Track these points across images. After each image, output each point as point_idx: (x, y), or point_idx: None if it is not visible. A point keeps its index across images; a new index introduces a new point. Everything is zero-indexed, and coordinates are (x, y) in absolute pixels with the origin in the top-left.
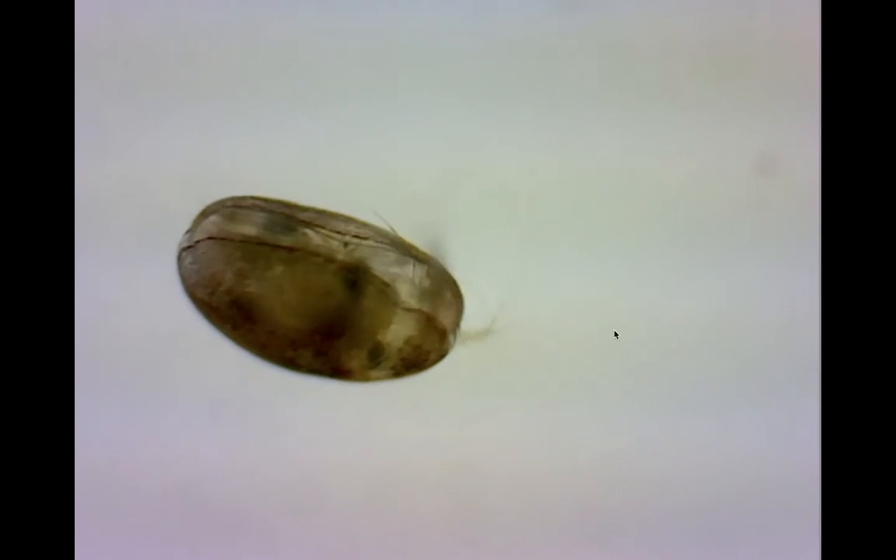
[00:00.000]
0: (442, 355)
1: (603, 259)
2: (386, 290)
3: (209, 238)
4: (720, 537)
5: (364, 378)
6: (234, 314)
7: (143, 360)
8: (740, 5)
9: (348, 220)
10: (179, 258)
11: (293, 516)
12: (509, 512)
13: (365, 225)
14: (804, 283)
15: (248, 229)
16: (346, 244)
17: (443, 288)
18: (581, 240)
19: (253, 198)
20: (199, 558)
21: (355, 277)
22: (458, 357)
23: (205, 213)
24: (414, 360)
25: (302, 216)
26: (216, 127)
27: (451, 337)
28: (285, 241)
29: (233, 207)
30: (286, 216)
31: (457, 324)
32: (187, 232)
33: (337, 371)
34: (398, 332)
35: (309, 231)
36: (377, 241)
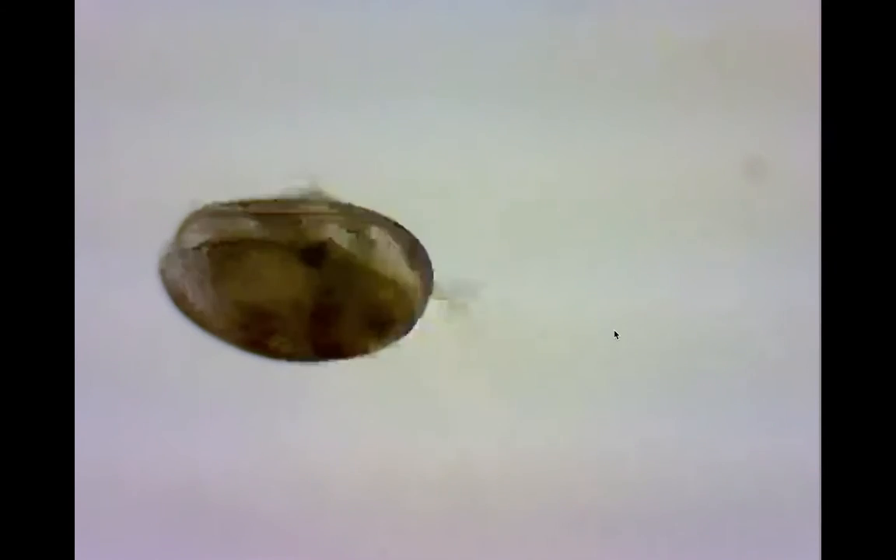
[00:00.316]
0: (419, 312)
1: (603, 259)
2: (349, 258)
3: (176, 251)
4: (720, 536)
5: (356, 351)
6: (217, 317)
7: (143, 360)
8: (741, 5)
9: (304, 201)
10: (161, 275)
11: (293, 515)
12: (509, 512)
13: (320, 202)
14: (804, 282)
15: (209, 236)
16: (300, 224)
17: (408, 246)
18: (581, 240)
19: (214, 204)
20: (198, 557)
21: (316, 253)
22: (457, 358)
23: (181, 229)
24: (393, 321)
25: (257, 209)
26: (217, 127)
27: (422, 291)
28: (243, 237)
29: (196, 218)
30: (244, 214)
31: (428, 276)
32: (168, 246)
33: (328, 350)
34: (372, 297)
35: (265, 222)
36: (333, 215)
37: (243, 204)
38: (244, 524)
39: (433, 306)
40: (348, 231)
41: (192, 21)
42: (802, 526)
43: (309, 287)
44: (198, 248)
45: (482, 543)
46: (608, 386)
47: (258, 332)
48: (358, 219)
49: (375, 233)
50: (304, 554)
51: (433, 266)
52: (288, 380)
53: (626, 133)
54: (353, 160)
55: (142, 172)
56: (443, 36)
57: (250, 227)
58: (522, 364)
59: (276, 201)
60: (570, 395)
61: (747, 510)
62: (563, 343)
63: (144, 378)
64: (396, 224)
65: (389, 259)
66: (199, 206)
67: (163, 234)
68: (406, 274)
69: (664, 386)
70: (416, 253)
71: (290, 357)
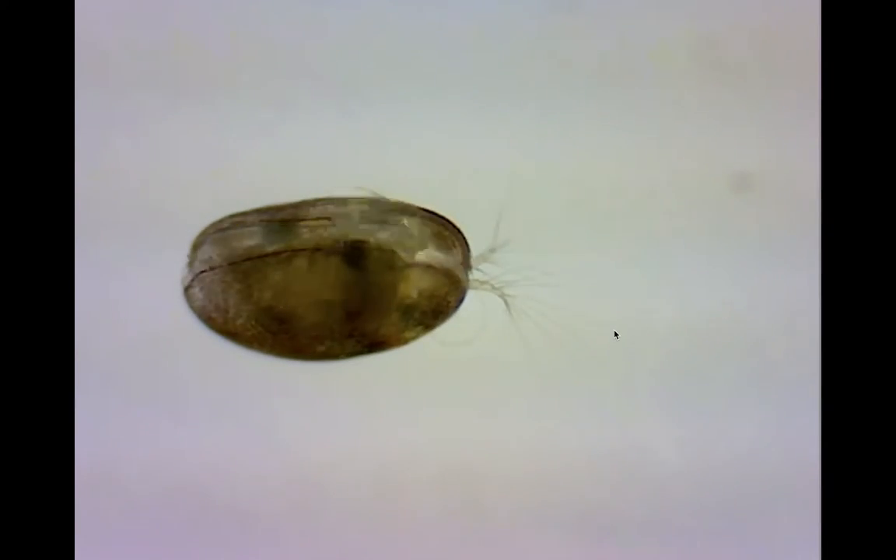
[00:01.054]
0: (461, 295)
1: (603, 258)
2: (387, 253)
3: (202, 272)
4: (721, 534)
5: (401, 342)
6: (255, 332)
7: (143, 360)
8: (741, 4)
9: (327, 201)
10: (186, 295)
11: (292, 516)
12: (508, 512)
13: (345, 201)
14: (804, 281)
15: (236, 248)
16: (331, 223)
17: (440, 230)
18: (581, 239)
19: (231, 217)
20: (198, 555)
21: (353, 252)
22: (457, 357)
23: (195, 246)
24: (437, 309)
25: (281, 216)
26: (216, 125)
27: (463, 274)
28: (273, 246)
29: (216, 233)
30: (268, 221)
31: (466, 257)
32: (186, 267)
33: (373, 346)
34: (413, 285)
35: (293, 227)
36: (362, 210)
37: (265, 211)
38: (244, 523)
39: (474, 291)
40: (380, 224)
41: (194, 18)
42: (802, 524)
43: (347, 286)
44: (224, 265)
45: (481, 542)
46: (607, 384)
47: (304, 340)
48: (387, 211)
49: (408, 222)
50: (305, 553)
51: (467, 243)
52: (290, 377)
53: (624, 132)
54: (352, 158)
55: (141, 168)
56: (444, 34)
57: (277, 235)
58: (520, 361)
59: (298, 205)
60: (569, 393)
61: (747, 507)
62: (565, 342)
63: (145, 376)
64: (428, 211)
65: (425, 247)
66: (217, 219)
67: (161, 230)
68: (443, 260)
69: (664, 384)
70: (451, 237)
71: (337, 357)
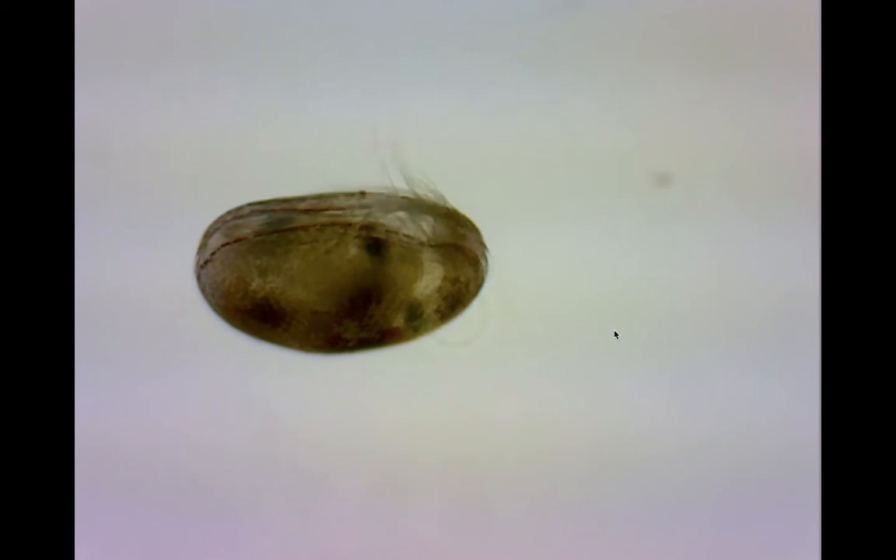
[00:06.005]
0: (479, 284)
1: (602, 235)
2: (409, 243)
3: (223, 245)
4: (722, 515)
5: (413, 336)
6: (268, 311)
7: (142, 351)
8: None
9: (349, 194)
10: (199, 279)
11: (294, 504)
12: (509, 501)
13: (365, 194)
14: (804, 252)
15: (249, 233)
16: (362, 207)
17: (458, 222)
18: (581, 217)
19: (249, 204)
20: (197, 545)
21: (378, 241)
22: (457, 352)
23: (207, 234)
24: (455, 296)
25: (303, 206)
26: (214, 116)
27: (482, 262)
28: (291, 233)
29: (233, 220)
30: (287, 210)
31: (483, 249)
32: (198, 253)
33: (385, 335)
34: (432, 275)
35: (315, 218)
36: (384, 202)
37: (282, 201)
38: (246, 511)
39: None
40: (404, 217)
41: (192, 12)
42: (802, 495)
43: (368, 275)
44: (239, 240)
45: (481, 534)
46: (606, 366)
47: (321, 323)
48: (410, 206)
49: (428, 216)
50: (306, 540)
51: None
52: (290, 369)
53: (627, 109)
54: (352, 143)
55: (140, 160)
56: (439, 19)
57: (301, 223)
58: (522, 339)
59: (318, 196)
60: (568, 370)
61: (749, 479)
62: (561, 318)
63: (145, 365)
64: (445, 205)
65: (445, 238)
66: (235, 208)
67: (160, 218)
68: (465, 245)
69: (663, 364)
70: (467, 229)
71: (349, 345)
